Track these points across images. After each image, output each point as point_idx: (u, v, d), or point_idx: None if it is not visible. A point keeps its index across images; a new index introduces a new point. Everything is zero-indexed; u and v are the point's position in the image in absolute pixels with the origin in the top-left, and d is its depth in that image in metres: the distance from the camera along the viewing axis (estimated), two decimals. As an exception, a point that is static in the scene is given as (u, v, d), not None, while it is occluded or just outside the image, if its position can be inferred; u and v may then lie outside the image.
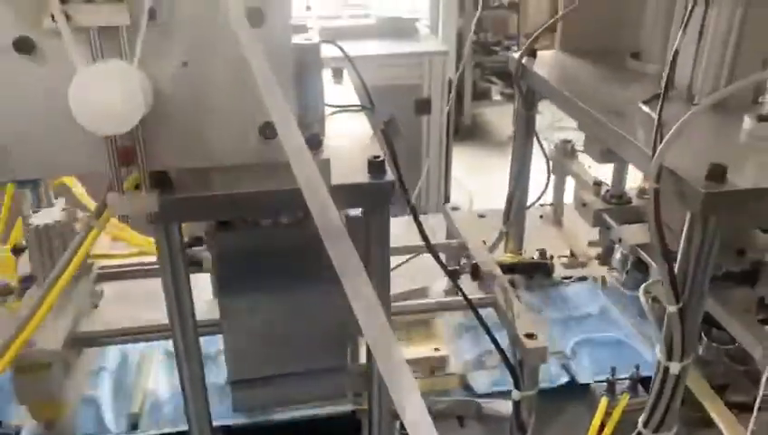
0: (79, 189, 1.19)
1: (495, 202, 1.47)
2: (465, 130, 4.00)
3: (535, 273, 1.33)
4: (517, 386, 0.94)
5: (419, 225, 0.91)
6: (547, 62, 1.23)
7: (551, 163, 1.37)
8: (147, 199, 0.67)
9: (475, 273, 1.09)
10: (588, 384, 1.10)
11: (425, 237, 0.92)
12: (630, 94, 1.00)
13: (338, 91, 1.05)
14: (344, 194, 0.75)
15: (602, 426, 1.00)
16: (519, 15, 3.91)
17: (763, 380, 0.80)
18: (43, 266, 1.05)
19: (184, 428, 0.95)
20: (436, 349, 1.14)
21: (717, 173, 0.74)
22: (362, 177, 0.76)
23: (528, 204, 1.39)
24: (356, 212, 0.89)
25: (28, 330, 0.77)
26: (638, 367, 1.04)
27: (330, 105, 0.94)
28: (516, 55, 1.22)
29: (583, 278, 1.34)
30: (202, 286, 1.04)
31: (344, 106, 0.95)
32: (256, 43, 0.60)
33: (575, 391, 1.11)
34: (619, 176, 1.23)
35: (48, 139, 0.64)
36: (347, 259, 0.60)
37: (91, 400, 1.10)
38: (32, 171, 0.69)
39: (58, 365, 0.92)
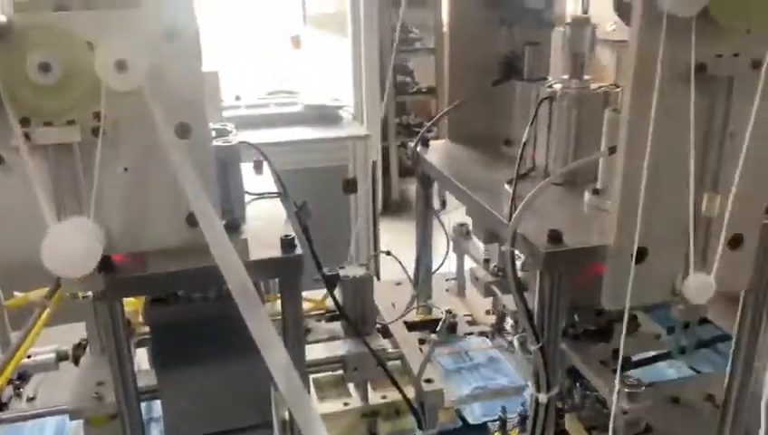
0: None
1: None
2: (395, 205, 4.26)
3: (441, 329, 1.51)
4: (420, 427, 1.10)
5: (332, 293, 1.09)
6: (437, 149, 1.45)
7: (451, 243, 1.57)
8: (95, 279, 0.81)
9: (385, 332, 1.26)
10: (484, 423, 1.27)
11: (336, 304, 1.10)
12: (500, 176, 1.21)
13: (258, 181, 1.23)
14: (261, 267, 0.93)
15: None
16: (437, 99, 4.25)
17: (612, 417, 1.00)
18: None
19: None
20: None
21: (555, 236, 0.95)
22: (276, 252, 0.93)
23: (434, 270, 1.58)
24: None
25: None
26: (523, 404, 1.23)
27: (250, 193, 1.11)
28: (411, 144, 1.45)
29: (483, 334, 1.55)
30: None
31: (262, 193, 1.13)
32: (182, 151, 0.77)
33: (471, 430, 1.28)
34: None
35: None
36: (261, 326, 0.76)
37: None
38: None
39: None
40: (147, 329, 1.28)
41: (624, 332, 0.89)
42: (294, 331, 0.97)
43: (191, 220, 0.83)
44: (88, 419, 1.10)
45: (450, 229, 1.56)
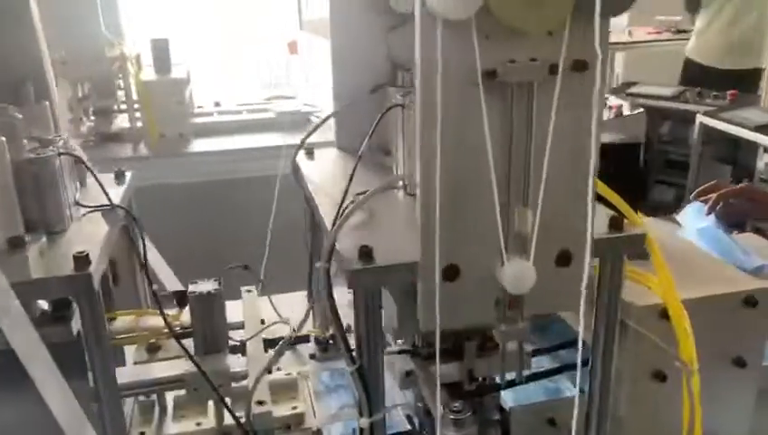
0: None
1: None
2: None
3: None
4: (256, 450, 1.06)
5: (162, 311, 1.05)
6: (322, 158, 1.40)
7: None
8: None
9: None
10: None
11: (166, 322, 1.05)
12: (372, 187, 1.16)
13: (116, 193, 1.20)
14: (49, 286, 0.89)
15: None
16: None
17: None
18: None
19: None
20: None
21: (366, 253, 0.90)
22: (68, 270, 0.89)
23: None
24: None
25: None
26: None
27: (82, 205, 1.08)
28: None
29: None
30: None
31: (94, 206, 1.09)
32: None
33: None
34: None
35: None
36: (29, 350, 0.72)
37: None
38: None
39: None
40: None
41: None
42: (99, 352, 0.93)
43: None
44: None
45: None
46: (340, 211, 0.96)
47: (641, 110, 4.38)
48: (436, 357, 0.87)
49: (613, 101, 4.49)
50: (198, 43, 5.21)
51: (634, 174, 3.46)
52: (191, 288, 1.14)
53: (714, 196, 1.56)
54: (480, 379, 1.13)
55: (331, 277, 0.92)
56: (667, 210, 4.93)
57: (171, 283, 1.48)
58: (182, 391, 1.18)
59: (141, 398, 1.19)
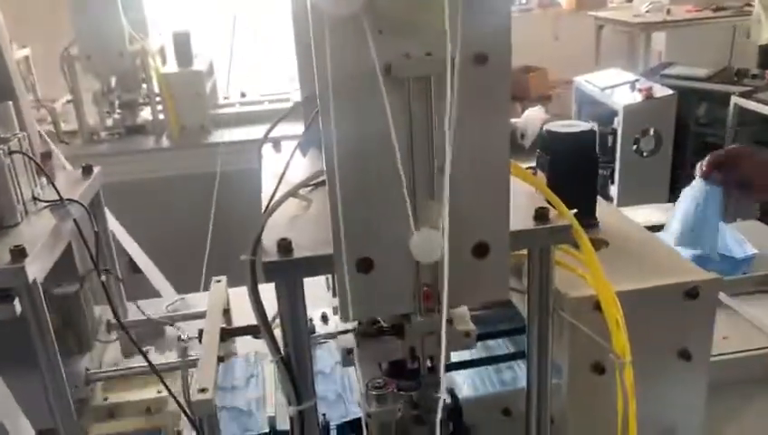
0: None
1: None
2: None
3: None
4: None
5: (111, 303, 1.09)
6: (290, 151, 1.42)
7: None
8: None
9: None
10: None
11: (117, 316, 1.10)
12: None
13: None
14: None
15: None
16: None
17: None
18: None
19: None
20: (159, 391, 1.32)
21: (284, 246, 0.92)
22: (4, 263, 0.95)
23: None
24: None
25: None
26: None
27: (41, 200, 1.14)
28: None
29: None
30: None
31: (46, 201, 1.15)
32: None
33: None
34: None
35: None
36: None
37: None
38: None
39: None
40: None
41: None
42: (40, 338, 0.98)
43: None
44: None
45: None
46: (267, 207, 0.98)
47: (671, 92, 4.26)
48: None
49: (643, 83, 4.38)
50: (230, 35, 5.30)
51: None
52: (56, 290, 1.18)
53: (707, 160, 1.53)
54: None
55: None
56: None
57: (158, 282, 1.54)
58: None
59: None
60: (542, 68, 6.49)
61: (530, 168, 1.60)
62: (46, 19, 4.28)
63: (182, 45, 3.68)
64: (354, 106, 0.81)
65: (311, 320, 1.51)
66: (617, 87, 4.48)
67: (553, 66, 6.45)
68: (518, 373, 1.30)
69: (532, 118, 3.98)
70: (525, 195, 1.03)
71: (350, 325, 1.12)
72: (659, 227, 1.89)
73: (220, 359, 1.17)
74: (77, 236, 1.15)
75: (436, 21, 0.78)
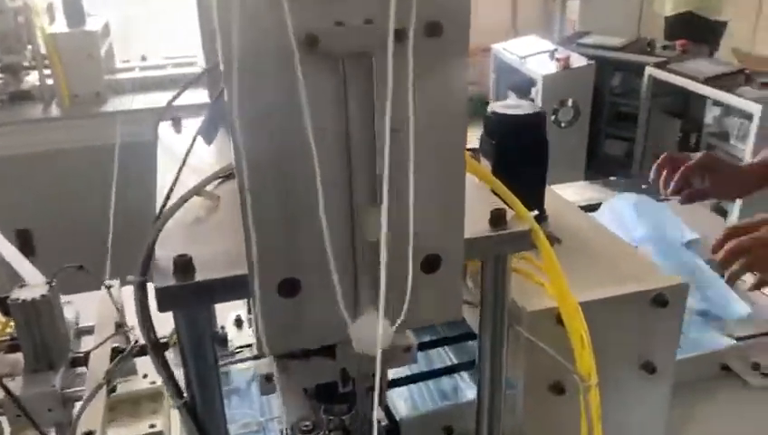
0: None
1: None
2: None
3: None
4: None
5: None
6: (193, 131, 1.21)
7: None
8: None
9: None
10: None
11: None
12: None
13: None
14: None
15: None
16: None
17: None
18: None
19: None
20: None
21: (181, 265, 0.72)
22: None
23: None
24: None
25: None
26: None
27: None
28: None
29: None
30: None
31: None
32: None
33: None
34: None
35: None
36: None
37: None
38: None
39: None
40: None
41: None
42: None
43: None
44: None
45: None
46: (163, 208, 0.78)
47: (590, 62, 4.23)
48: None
49: (561, 52, 4.33)
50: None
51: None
52: (14, 294, 0.96)
53: (677, 175, 1.42)
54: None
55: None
56: (618, 165, 4.83)
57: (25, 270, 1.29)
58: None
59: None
60: (458, 35, 6.37)
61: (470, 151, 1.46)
62: None
63: (72, 2, 3.30)
64: (269, 89, 0.62)
65: (222, 328, 1.32)
66: (535, 56, 4.42)
67: (470, 34, 6.35)
68: (459, 383, 1.17)
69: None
70: (471, 192, 0.87)
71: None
72: (595, 207, 1.81)
73: (111, 390, 0.96)
74: None
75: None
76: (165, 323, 0.79)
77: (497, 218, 0.80)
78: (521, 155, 1.07)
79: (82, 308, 1.17)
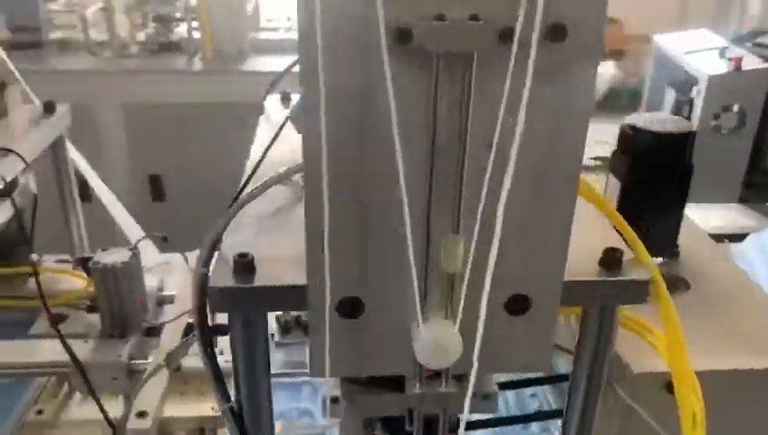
0: None
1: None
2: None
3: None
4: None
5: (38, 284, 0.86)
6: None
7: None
8: None
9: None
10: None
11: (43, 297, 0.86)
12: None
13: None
14: None
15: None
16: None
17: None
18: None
19: None
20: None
21: (242, 265, 0.66)
22: None
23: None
24: None
25: None
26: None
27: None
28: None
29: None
30: None
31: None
32: None
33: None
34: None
35: None
36: None
37: None
38: None
39: None
40: None
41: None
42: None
43: None
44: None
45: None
46: (237, 198, 0.72)
47: (766, 64, 3.77)
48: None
49: (733, 50, 3.89)
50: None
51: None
52: (96, 258, 0.95)
53: None
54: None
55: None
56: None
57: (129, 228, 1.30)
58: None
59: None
60: (617, 19, 5.94)
61: (595, 160, 1.30)
62: None
63: (224, -44, 3.36)
64: (354, 90, 0.53)
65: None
66: (702, 52, 4.00)
67: (630, 19, 5.88)
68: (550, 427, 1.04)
69: (599, 73, 3.57)
70: (584, 221, 0.73)
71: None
72: (742, 237, 1.58)
73: (176, 369, 0.93)
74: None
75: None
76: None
77: (611, 261, 0.67)
78: (659, 180, 0.91)
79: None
